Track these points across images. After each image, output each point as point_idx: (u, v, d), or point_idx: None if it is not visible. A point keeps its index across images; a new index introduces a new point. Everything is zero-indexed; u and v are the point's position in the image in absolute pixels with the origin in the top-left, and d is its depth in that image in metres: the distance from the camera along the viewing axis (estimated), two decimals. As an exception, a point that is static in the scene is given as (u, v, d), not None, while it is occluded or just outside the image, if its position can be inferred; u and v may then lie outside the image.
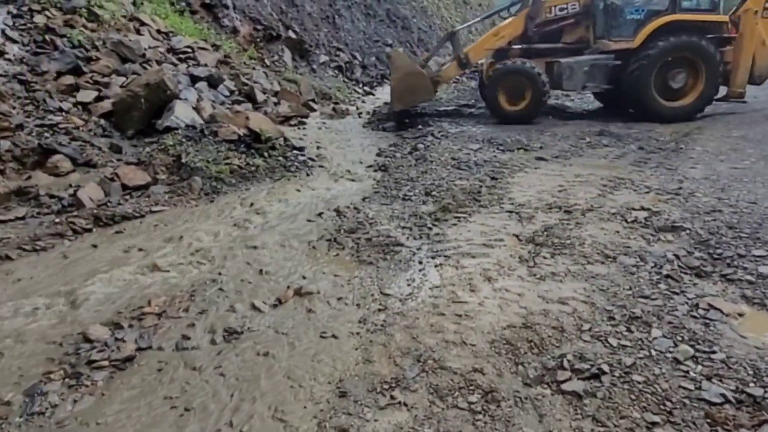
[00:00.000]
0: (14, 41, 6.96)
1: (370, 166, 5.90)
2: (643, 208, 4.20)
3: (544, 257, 3.38)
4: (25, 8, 7.36)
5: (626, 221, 3.96)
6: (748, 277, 2.99)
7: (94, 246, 3.86)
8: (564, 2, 8.11)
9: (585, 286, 2.98)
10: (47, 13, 7.48)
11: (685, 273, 3.11)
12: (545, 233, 3.75)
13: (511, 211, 4.27)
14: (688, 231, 3.70)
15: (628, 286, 2.96)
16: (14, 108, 5.97)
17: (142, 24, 8.74)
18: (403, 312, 2.80)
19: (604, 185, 4.89)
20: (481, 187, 4.90)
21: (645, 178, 5.14)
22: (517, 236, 3.77)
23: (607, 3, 7.84)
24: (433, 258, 3.47)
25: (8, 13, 7.17)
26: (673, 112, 7.84)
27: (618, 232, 3.76)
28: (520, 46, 8.21)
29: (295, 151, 6.14)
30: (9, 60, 6.68)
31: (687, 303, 2.76)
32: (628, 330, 2.52)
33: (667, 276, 3.06)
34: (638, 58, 7.64)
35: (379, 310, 2.85)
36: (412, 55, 8.40)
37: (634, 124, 7.98)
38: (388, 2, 15.84)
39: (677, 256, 3.30)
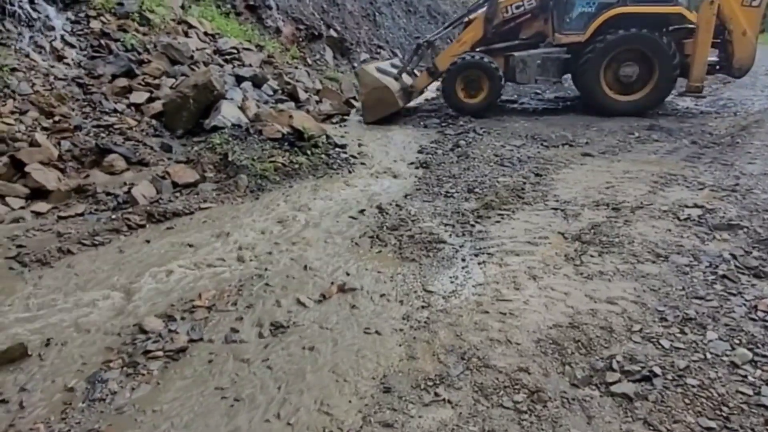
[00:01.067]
0: (72, 46, 7.32)
1: (412, 163, 5.89)
2: (696, 206, 4.03)
3: (591, 256, 3.30)
4: (82, 14, 7.72)
5: (678, 219, 3.81)
6: (813, 278, 2.83)
7: (147, 241, 4.03)
8: (520, 0, 8.12)
9: (635, 285, 2.89)
10: (102, 18, 7.82)
11: (743, 273, 2.98)
12: (592, 231, 3.66)
13: (556, 209, 4.18)
14: (745, 229, 3.53)
15: (681, 287, 2.86)
16: (73, 110, 6.29)
17: (190, 27, 9.02)
18: (446, 309, 2.80)
19: (654, 182, 4.72)
20: (524, 183, 4.83)
21: (698, 174, 4.93)
22: (562, 234, 3.69)
23: None
24: (476, 255, 3.45)
25: (67, 19, 7.55)
26: (625, 106, 7.68)
27: (670, 230, 3.63)
28: (480, 49, 8.27)
29: (337, 149, 6.21)
30: (68, 64, 7.04)
31: (745, 305, 2.65)
32: (682, 332, 2.43)
33: (723, 276, 2.94)
34: (587, 51, 7.54)
35: (423, 307, 2.86)
36: (388, 68, 8.48)
37: (686, 118, 7.66)
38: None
39: (734, 256, 3.16)
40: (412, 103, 9.12)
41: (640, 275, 3.01)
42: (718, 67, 8.01)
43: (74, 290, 3.25)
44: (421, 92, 8.88)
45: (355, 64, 12.53)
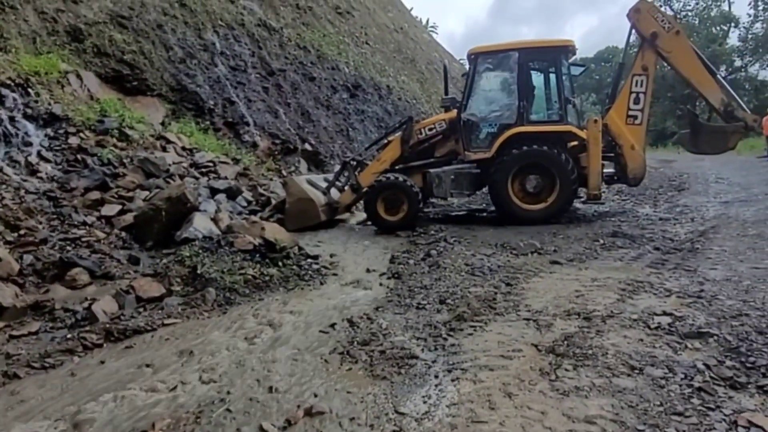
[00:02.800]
0: (48, 161, 7.44)
1: (384, 274, 5.89)
2: (665, 313, 4.06)
3: (566, 369, 3.22)
4: (61, 131, 7.94)
5: (649, 328, 3.81)
6: (788, 389, 2.80)
7: (102, 362, 3.80)
8: (432, 123, 9.09)
9: (612, 402, 2.80)
10: (81, 134, 8.06)
11: (719, 385, 2.92)
12: (565, 342, 3.61)
13: (528, 319, 4.15)
14: (715, 337, 3.53)
15: (658, 402, 2.78)
16: (41, 223, 6.22)
17: (168, 142, 9.33)
18: (419, 434, 2.64)
19: (622, 289, 4.78)
20: (496, 293, 4.83)
21: (664, 280, 5.03)
22: (536, 346, 3.62)
23: (466, 119, 8.66)
24: (449, 372, 3.33)
25: (45, 135, 7.74)
26: (532, 215, 8.30)
27: (642, 340, 3.61)
28: (399, 167, 8.96)
29: (309, 260, 6.19)
30: (41, 178, 7.09)
31: (724, 419, 2.57)
32: (664, 454, 2.32)
33: (700, 389, 2.87)
34: (494, 166, 8.30)
35: (394, 431, 2.68)
36: (319, 182, 9.10)
37: (647, 224, 7.99)
38: (399, 115, 16.81)
39: (708, 366, 3.12)
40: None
41: (617, 390, 2.92)
42: (616, 177, 8.93)
43: (12, 422, 2.97)
44: (348, 208, 9.28)
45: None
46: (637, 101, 8.53)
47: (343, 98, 15.83)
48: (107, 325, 4.35)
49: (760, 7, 39.25)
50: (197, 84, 11.58)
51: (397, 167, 8.90)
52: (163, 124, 10.30)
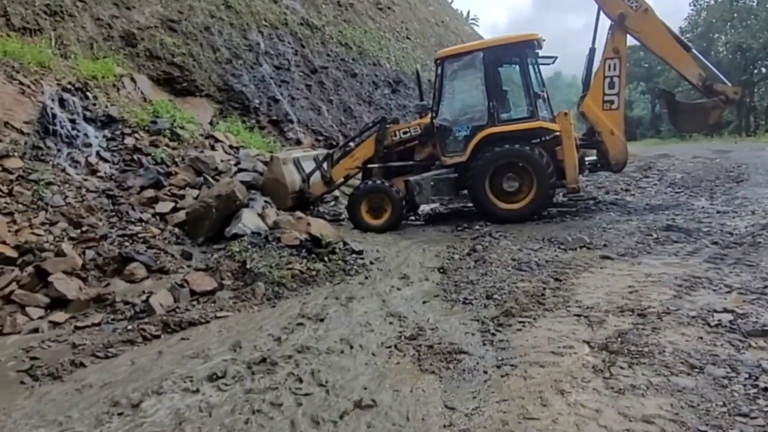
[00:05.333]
0: (106, 160, 7.79)
1: (429, 268, 5.87)
2: (726, 310, 3.88)
3: (621, 367, 3.13)
4: (117, 132, 8.30)
5: (709, 325, 3.65)
6: None
7: (160, 352, 3.96)
8: (407, 128, 8.97)
9: (671, 401, 2.70)
10: (136, 135, 8.39)
11: (787, 386, 2.78)
12: (619, 339, 3.51)
13: (579, 315, 4.06)
14: (782, 336, 3.35)
15: (721, 402, 2.66)
16: (101, 220, 6.54)
17: (217, 141, 9.60)
18: (469, 429, 2.63)
19: (678, 285, 4.59)
20: (544, 289, 4.74)
21: (724, 276, 4.80)
22: (588, 343, 3.54)
23: (440, 125, 8.51)
24: (498, 367, 3.30)
25: (103, 136, 8.11)
26: (511, 213, 8.13)
27: (701, 338, 3.46)
28: (376, 166, 8.92)
29: (354, 255, 6.25)
30: (100, 177, 7.44)
31: (795, 423, 2.44)
32: (729, 456, 2.22)
33: (766, 389, 2.74)
34: (470, 169, 8.17)
35: (445, 426, 2.69)
36: (307, 162, 9.04)
37: (703, 218, 7.64)
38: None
39: (775, 366, 2.97)
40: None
41: (676, 389, 2.82)
42: (599, 165, 8.83)
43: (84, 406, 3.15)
44: (318, 199, 9.24)
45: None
46: (611, 86, 8.36)
47: (384, 93, 15.86)
48: (164, 318, 4.54)
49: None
50: (243, 83, 11.85)
51: (370, 165, 8.97)
52: (211, 123, 10.62)
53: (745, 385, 2.81)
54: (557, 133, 8.09)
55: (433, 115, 8.59)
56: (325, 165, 9.02)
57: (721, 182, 11.61)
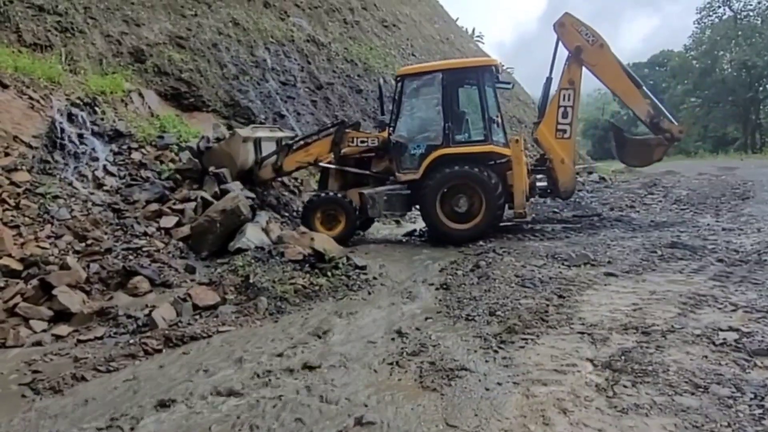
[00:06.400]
0: (113, 174, 7.87)
1: (432, 284, 5.86)
2: (731, 329, 3.84)
3: (624, 386, 3.10)
4: (125, 146, 8.39)
5: (714, 344, 3.61)
6: None
7: (162, 367, 3.96)
8: (365, 137, 8.98)
9: (675, 421, 2.67)
10: (143, 150, 8.48)
11: (793, 406, 2.74)
12: (623, 358, 3.48)
13: (582, 333, 4.03)
14: (788, 356, 3.31)
15: (726, 422, 2.63)
16: (106, 234, 6.58)
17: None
18: (470, 448, 2.60)
19: (683, 303, 4.56)
20: (548, 306, 4.71)
21: (729, 294, 4.76)
22: (591, 361, 3.51)
23: (396, 141, 8.54)
24: (500, 385, 3.27)
25: (111, 151, 8.20)
26: (462, 233, 8.12)
27: (706, 356, 3.43)
28: (331, 166, 9.00)
29: (357, 270, 6.24)
30: (107, 191, 7.51)
31: (801, 445, 2.40)
32: (734, 478, 2.19)
33: (772, 410, 2.70)
34: (421, 187, 8.21)
35: (445, 444, 2.66)
36: (269, 144, 9.24)
37: (708, 235, 7.60)
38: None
39: (780, 387, 2.93)
40: None
41: (680, 409, 2.79)
42: (549, 191, 8.96)
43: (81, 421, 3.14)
44: (263, 183, 9.30)
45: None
46: (565, 115, 8.55)
47: (389, 109, 15.95)
48: (166, 332, 4.54)
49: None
50: (249, 99, 11.98)
51: (322, 164, 9.07)
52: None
53: (750, 406, 2.77)
54: (508, 158, 8.20)
55: (391, 130, 8.66)
56: (280, 154, 9.09)
57: (726, 199, 11.56)
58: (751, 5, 41.53)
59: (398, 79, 8.90)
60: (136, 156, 8.29)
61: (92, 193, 7.25)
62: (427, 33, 23.31)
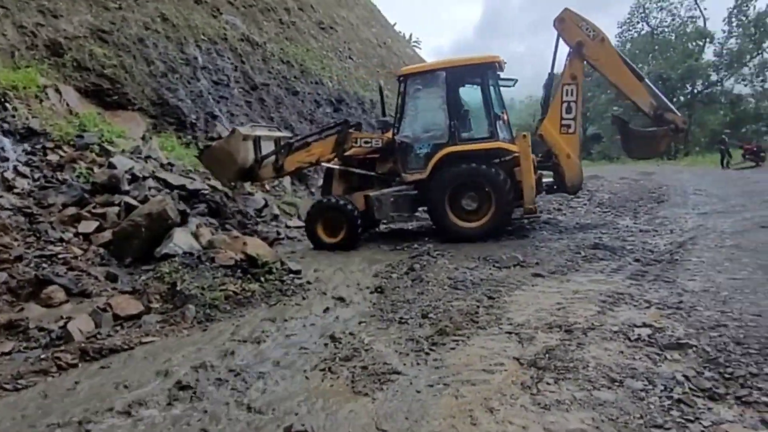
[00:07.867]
0: (25, 176, 7.30)
1: (367, 288, 5.85)
2: (645, 325, 4.09)
3: (548, 383, 3.22)
4: (39, 146, 7.81)
5: (629, 339, 3.83)
6: (765, 399, 2.83)
7: (77, 383, 3.70)
8: (369, 137, 9.09)
9: (593, 415, 2.80)
10: (60, 150, 7.93)
11: (698, 396, 2.95)
12: (547, 356, 3.62)
13: (510, 332, 4.15)
14: (694, 348, 3.57)
15: (638, 414, 2.78)
16: (16, 240, 6.08)
17: (149, 157, 9.21)
18: (399, 452, 2.60)
19: (603, 301, 4.81)
20: (478, 307, 4.83)
21: (644, 291, 5.07)
22: (518, 359, 3.62)
23: (400, 141, 8.70)
24: (431, 387, 3.30)
25: (23, 150, 7.60)
26: (471, 231, 8.29)
27: (622, 352, 3.63)
28: (336, 166, 9.06)
29: (291, 275, 6.14)
30: (18, 194, 6.95)
31: (704, 432, 2.58)
32: (644, 467, 2.32)
33: (679, 401, 2.89)
34: (430, 187, 8.35)
35: (375, 450, 2.65)
36: (267, 144, 9.15)
37: (627, 236, 8.08)
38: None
39: (687, 378, 3.15)
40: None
41: (597, 403, 2.93)
42: (555, 186, 9.01)
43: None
44: (262, 182, 9.31)
45: (313, 189, 12.94)
46: (569, 110, 8.62)
47: (326, 112, 15.88)
48: (83, 345, 4.24)
49: (734, 23, 40.42)
50: (179, 98, 11.53)
51: (325, 164, 9.05)
52: (143, 138, 10.20)
53: (660, 397, 2.95)
54: (516, 154, 8.24)
55: (395, 131, 8.63)
56: (280, 153, 8.88)
57: (644, 203, 12.38)
58: (666, 22, 44.91)
59: (401, 79, 8.78)
60: (52, 157, 7.74)
61: (0, 196, 6.68)
62: (365, 36, 23.41)
